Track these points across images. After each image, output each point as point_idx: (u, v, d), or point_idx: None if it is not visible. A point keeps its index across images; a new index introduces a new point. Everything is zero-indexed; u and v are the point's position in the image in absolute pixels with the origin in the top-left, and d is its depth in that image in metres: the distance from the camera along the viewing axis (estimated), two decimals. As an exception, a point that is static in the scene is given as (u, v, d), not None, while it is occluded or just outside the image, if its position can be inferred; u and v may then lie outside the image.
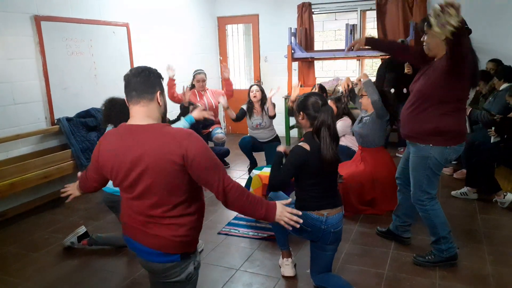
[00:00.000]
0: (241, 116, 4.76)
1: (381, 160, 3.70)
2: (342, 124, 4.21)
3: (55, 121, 4.30)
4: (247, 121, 4.80)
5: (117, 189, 2.82)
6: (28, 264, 3.01)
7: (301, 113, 2.35)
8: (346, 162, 3.87)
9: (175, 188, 1.69)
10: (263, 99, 4.69)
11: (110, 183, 2.93)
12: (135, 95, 1.72)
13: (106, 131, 2.89)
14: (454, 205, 3.80)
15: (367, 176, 3.61)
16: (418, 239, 3.13)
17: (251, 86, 4.74)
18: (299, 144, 2.34)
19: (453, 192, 4.04)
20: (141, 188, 1.70)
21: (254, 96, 4.64)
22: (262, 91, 4.71)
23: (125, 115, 2.89)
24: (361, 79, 3.56)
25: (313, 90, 4.46)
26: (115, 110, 2.93)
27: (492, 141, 3.95)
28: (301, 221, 1.78)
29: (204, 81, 5.26)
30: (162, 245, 1.74)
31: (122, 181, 1.76)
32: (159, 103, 1.75)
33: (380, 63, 5.81)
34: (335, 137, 2.29)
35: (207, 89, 5.37)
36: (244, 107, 4.77)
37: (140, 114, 1.73)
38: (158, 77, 1.78)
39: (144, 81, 1.72)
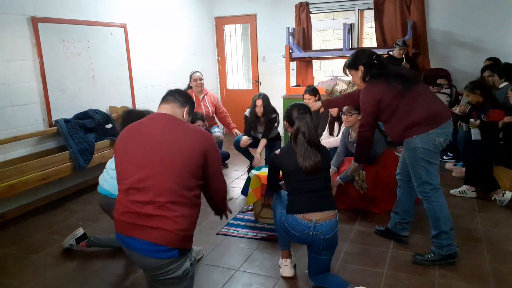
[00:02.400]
0: (249, 129, 4.66)
1: (386, 161, 3.69)
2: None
3: (53, 122, 4.29)
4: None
5: (112, 192, 2.87)
6: (27, 266, 3.00)
7: (285, 122, 2.59)
8: (349, 158, 3.85)
9: (190, 175, 1.86)
10: (267, 107, 4.53)
11: (105, 184, 2.95)
12: (169, 98, 2.04)
13: None
14: (453, 204, 3.79)
15: (371, 173, 3.57)
16: (417, 238, 3.13)
17: (255, 100, 4.53)
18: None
19: (451, 191, 4.04)
20: (156, 168, 1.83)
21: (259, 111, 4.54)
22: (266, 106, 4.51)
23: None
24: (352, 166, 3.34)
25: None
26: (132, 121, 2.90)
27: (473, 138, 3.97)
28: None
29: (201, 79, 5.25)
30: (162, 238, 1.79)
31: (135, 161, 1.87)
32: (183, 115, 2.04)
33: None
34: (313, 143, 2.35)
35: (206, 92, 5.36)
36: (247, 114, 4.65)
37: (166, 110, 2.01)
38: (192, 101, 2.12)
39: (181, 95, 2.07)
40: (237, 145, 4.74)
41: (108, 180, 2.97)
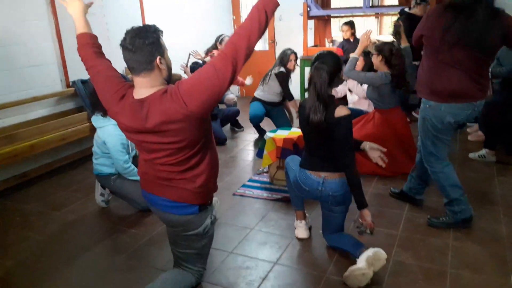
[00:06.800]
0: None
1: (392, 120, 3.63)
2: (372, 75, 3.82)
3: (70, 83, 4.31)
4: (274, 87, 4.69)
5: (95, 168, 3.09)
6: (50, 221, 3.12)
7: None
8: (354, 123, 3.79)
9: (188, 143, 1.76)
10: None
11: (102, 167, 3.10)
12: (133, 68, 1.73)
13: (93, 118, 2.99)
14: (471, 168, 3.75)
15: (374, 139, 3.48)
16: (433, 201, 3.12)
17: (289, 54, 4.62)
18: None
19: (470, 155, 3.97)
20: (155, 150, 1.81)
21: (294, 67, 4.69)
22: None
23: None
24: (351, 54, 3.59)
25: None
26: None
27: None
28: None
29: None
30: (182, 196, 1.85)
31: (137, 145, 1.88)
32: (160, 69, 1.74)
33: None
34: (322, 98, 2.20)
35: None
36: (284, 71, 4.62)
37: (143, 84, 1.75)
38: (155, 40, 1.70)
39: (139, 53, 1.68)
40: (254, 121, 4.78)
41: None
